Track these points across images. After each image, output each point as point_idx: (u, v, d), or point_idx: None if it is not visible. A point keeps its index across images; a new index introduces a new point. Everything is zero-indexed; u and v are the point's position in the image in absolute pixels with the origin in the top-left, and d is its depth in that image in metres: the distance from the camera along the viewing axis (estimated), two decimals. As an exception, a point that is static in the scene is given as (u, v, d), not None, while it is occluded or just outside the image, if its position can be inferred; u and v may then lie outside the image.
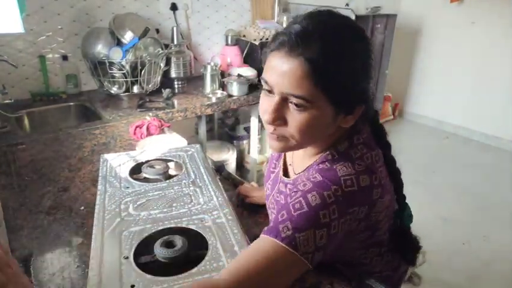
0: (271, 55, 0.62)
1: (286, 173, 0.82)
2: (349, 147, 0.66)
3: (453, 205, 2.63)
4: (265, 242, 0.58)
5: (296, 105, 0.60)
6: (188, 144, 1.27)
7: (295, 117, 0.62)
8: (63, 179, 1.13)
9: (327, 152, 0.68)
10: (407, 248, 0.83)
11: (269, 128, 0.66)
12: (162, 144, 1.31)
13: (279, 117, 0.63)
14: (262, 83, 0.65)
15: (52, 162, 1.25)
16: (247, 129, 2.65)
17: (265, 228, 0.61)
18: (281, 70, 0.59)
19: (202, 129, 2.22)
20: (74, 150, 1.34)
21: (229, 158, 2.47)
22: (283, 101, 0.62)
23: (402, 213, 0.78)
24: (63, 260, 0.80)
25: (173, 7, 2.36)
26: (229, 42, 2.52)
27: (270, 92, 0.64)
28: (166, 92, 2.05)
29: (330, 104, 0.60)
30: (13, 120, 1.65)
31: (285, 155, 0.86)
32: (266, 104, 0.64)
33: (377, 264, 0.81)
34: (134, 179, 0.97)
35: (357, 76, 0.62)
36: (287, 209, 0.60)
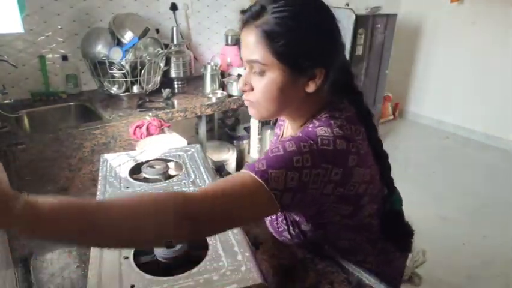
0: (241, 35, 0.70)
1: None
2: (329, 118, 0.69)
3: (453, 205, 2.63)
4: (243, 174, 0.62)
5: (256, 70, 0.68)
6: (188, 144, 1.27)
7: (258, 82, 0.69)
8: (63, 179, 1.13)
9: (310, 121, 0.72)
10: (399, 233, 0.83)
11: (244, 96, 0.74)
12: (162, 144, 1.31)
13: (247, 84, 0.71)
14: None
15: (52, 162, 1.25)
16: (247, 129, 2.66)
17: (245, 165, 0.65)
18: (244, 43, 0.69)
19: (202, 129, 2.22)
20: (74, 150, 1.34)
21: (229, 158, 2.47)
22: (251, 69, 0.70)
23: (391, 196, 0.79)
24: (63, 260, 0.81)
25: (173, 7, 2.36)
26: (229, 42, 2.52)
27: None
28: (166, 92, 2.05)
29: (285, 66, 0.66)
30: (13, 120, 1.65)
31: (282, 137, 0.88)
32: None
33: (370, 253, 0.82)
34: (134, 179, 0.97)
35: (308, 40, 0.65)
36: (266, 153, 0.64)
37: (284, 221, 0.81)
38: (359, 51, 2.87)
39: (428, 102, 4.04)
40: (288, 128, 0.85)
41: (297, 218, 0.76)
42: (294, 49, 0.65)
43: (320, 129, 0.66)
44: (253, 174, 0.60)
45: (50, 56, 2.01)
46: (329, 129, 0.66)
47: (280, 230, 0.83)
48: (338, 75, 0.71)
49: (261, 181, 0.59)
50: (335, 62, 0.69)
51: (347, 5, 3.39)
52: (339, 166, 0.63)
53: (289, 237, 0.82)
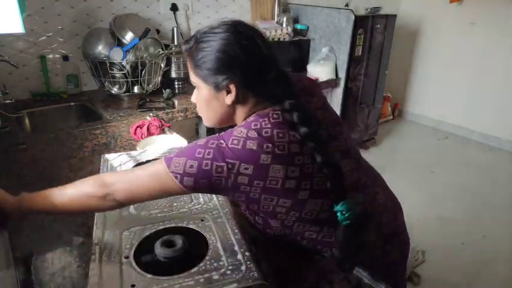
0: None
1: None
2: (252, 121, 0.77)
3: (452, 205, 2.63)
4: (157, 160, 0.77)
5: (195, 87, 0.87)
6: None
7: (196, 98, 0.89)
8: (64, 179, 1.13)
9: (248, 119, 0.80)
10: (341, 248, 0.80)
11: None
12: (162, 144, 1.31)
13: (194, 99, 0.90)
14: None
15: (53, 162, 1.25)
16: (247, 130, 2.65)
17: None
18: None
19: (203, 129, 2.22)
20: (75, 150, 1.35)
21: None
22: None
23: (335, 206, 0.75)
24: (64, 259, 0.81)
25: (174, 8, 2.37)
26: (229, 42, 2.52)
27: None
28: (166, 92, 2.05)
29: (206, 84, 0.82)
30: (14, 121, 1.65)
31: None
32: None
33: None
34: (135, 179, 0.97)
35: (217, 62, 0.79)
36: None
37: (247, 212, 0.85)
38: (359, 51, 2.87)
39: (427, 102, 4.05)
40: None
41: (253, 208, 0.81)
42: (208, 70, 0.80)
43: (238, 130, 0.76)
44: (162, 159, 0.75)
45: (50, 56, 2.01)
46: (245, 131, 0.75)
47: (251, 222, 0.87)
48: (255, 85, 0.80)
49: (164, 164, 0.74)
50: (245, 77, 0.79)
51: (347, 5, 3.39)
52: (248, 162, 0.72)
53: (260, 228, 0.85)
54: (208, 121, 0.90)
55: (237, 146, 0.73)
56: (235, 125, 0.85)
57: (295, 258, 0.83)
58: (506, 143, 3.52)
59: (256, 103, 0.82)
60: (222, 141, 0.74)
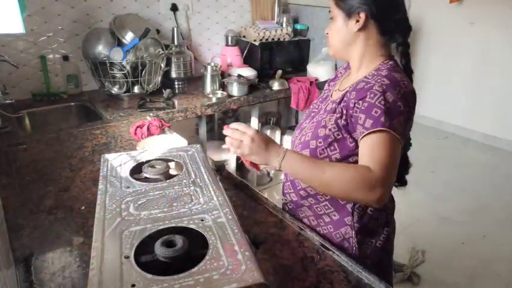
0: None
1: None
2: (395, 65, 0.91)
3: (452, 205, 2.63)
4: (382, 137, 0.80)
5: (330, 17, 0.97)
6: (188, 144, 1.28)
7: (329, 28, 0.97)
8: (64, 179, 1.14)
9: (385, 62, 0.91)
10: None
11: None
12: (163, 144, 1.31)
13: (327, 31, 0.99)
14: None
15: (53, 162, 1.25)
16: (247, 130, 2.65)
17: (368, 126, 0.81)
18: None
19: (203, 129, 2.22)
20: (75, 150, 1.35)
21: (229, 158, 2.47)
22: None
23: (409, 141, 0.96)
24: (64, 259, 0.81)
25: (174, 8, 2.37)
26: (230, 42, 2.53)
27: None
28: (166, 92, 2.05)
29: (341, 11, 0.92)
30: (14, 121, 1.66)
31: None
32: None
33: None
34: (135, 178, 0.97)
35: None
36: (376, 106, 0.81)
37: (336, 129, 0.90)
38: (359, 51, 2.87)
39: (427, 102, 4.05)
40: (342, 81, 1.03)
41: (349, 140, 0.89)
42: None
43: (397, 74, 0.86)
44: (388, 129, 0.79)
45: (51, 56, 2.01)
46: (399, 75, 0.86)
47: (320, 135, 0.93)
48: (382, 20, 0.89)
49: (394, 133, 0.79)
50: (377, 11, 0.88)
51: (347, 5, 3.39)
52: (413, 105, 0.85)
53: (314, 146, 0.92)
54: (331, 47, 0.99)
55: (407, 89, 0.84)
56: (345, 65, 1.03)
57: (296, 258, 0.83)
58: (506, 143, 3.52)
59: (378, 42, 0.92)
60: (399, 88, 0.82)
